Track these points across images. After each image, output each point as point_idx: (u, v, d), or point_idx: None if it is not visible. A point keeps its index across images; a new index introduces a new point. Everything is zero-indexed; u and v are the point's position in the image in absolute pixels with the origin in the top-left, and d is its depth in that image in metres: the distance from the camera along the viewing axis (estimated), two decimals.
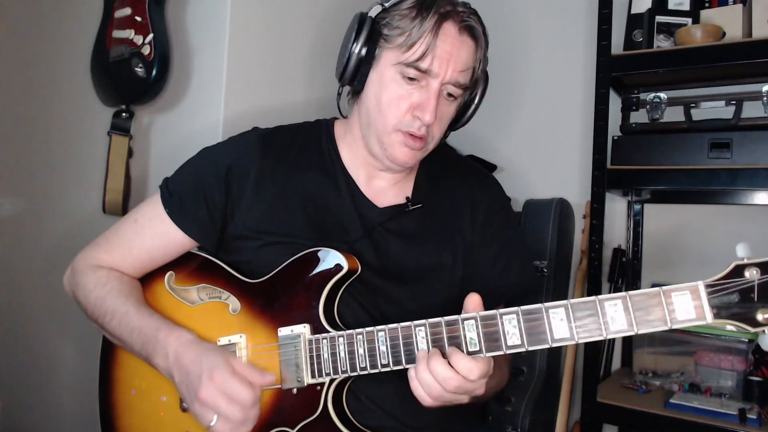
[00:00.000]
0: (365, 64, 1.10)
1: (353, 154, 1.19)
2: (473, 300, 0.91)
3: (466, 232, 1.19)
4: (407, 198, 1.19)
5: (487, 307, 0.90)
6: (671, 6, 1.83)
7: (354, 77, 1.11)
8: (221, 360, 0.97)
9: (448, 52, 1.06)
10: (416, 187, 1.22)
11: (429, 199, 1.20)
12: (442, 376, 0.87)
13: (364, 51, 1.09)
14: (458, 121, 1.20)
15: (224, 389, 0.95)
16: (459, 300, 1.15)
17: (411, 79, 1.07)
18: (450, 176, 1.25)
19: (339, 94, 1.18)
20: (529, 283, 1.25)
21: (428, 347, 0.91)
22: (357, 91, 1.14)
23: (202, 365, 0.97)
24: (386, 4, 1.10)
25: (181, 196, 1.15)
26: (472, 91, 1.17)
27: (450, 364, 0.88)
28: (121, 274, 1.16)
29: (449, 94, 1.10)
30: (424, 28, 1.05)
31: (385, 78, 1.09)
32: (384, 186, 1.20)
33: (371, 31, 1.09)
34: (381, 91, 1.10)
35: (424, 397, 0.90)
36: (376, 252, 1.13)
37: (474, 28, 1.09)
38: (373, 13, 1.10)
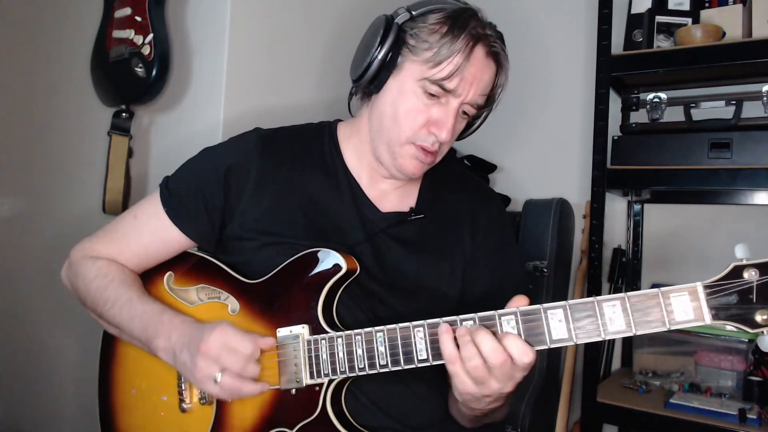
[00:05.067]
0: (386, 70, 1.08)
1: (358, 157, 1.19)
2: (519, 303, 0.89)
3: (466, 244, 1.19)
4: (411, 208, 1.18)
5: None
6: (671, 6, 1.83)
7: (372, 81, 1.09)
8: (223, 321, 1.01)
9: (474, 75, 1.05)
10: (421, 196, 1.21)
11: (431, 209, 1.20)
12: (489, 347, 0.84)
13: (388, 57, 1.07)
14: (462, 133, 1.19)
15: (225, 340, 0.97)
16: (455, 311, 1.15)
17: (431, 95, 1.06)
18: (453, 188, 1.25)
19: (351, 95, 1.17)
20: (524, 291, 1.24)
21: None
22: (371, 94, 1.13)
23: (204, 327, 1.00)
24: (414, 13, 1.08)
25: (180, 196, 1.15)
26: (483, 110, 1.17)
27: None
28: (121, 265, 1.16)
29: (464, 112, 1.10)
30: (454, 47, 1.03)
31: (406, 89, 1.07)
32: (387, 189, 1.19)
33: (397, 39, 1.06)
34: (399, 101, 1.08)
35: (466, 382, 0.87)
36: (375, 257, 1.13)
37: (500, 54, 1.09)
38: (400, 20, 1.08)
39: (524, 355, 0.84)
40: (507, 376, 0.86)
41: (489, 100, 1.13)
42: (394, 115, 1.08)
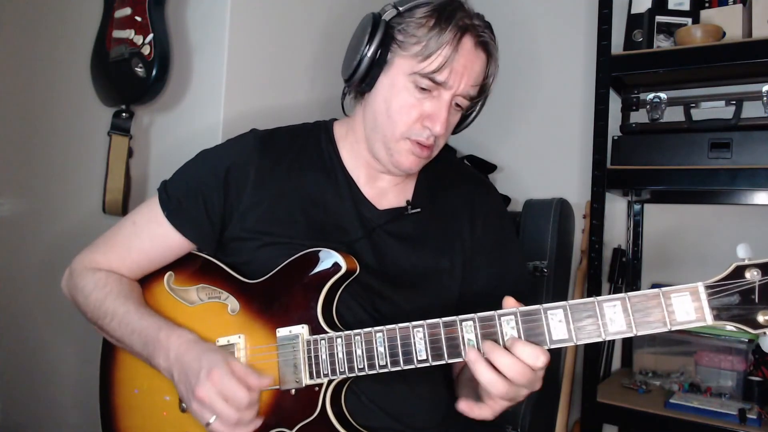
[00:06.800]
0: (376, 67, 1.08)
1: (354, 155, 1.19)
2: (508, 304, 0.89)
3: (464, 238, 1.19)
4: (407, 201, 1.19)
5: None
6: (671, 6, 1.83)
7: (363, 80, 1.10)
8: (221, 360, 0.98)
9: (464, 66, 1.06)
10: (417, 190, 1.22)
11: (429, 203, 1.20)
12: (506, 364, 0.84)
13: (377, 54, 1.07)
14: (458, 126, 1.20)
15: (221, 389, 0.95)
16: (456, 304, 1.15)
17: (423, 89, 1.06)
18: (450, 182, 1.25)
19: (344, 94, 1.17)
20: (526, 288, 1.25)
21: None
22: (363, 92, 1.14)
23: (201, 364, 0.98)
24: (401, 8, 1.08)
25: (180, 199, 1.15)
26: (476, 101, 1.17)
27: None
28: (120, 276, 1.15)
29: (457, 105, 1.10)
30: (442, 40, 1.04)
31: (397, 85, 1.08)
32: (384, 187, 1.20)
33: (385, 35, 1.07)
34: (391, 97, 1.08)
35: (504, 404, 0.89)
36: (374, 253, 1.13)
37: (489, 44, 1.09)
38: (387, 17, 1.09)
39: (536, 360, 0.84)
40: (531, 382, 0.87)
41: (482, 91, 1.14)
42: (388, 111, 1.09)
